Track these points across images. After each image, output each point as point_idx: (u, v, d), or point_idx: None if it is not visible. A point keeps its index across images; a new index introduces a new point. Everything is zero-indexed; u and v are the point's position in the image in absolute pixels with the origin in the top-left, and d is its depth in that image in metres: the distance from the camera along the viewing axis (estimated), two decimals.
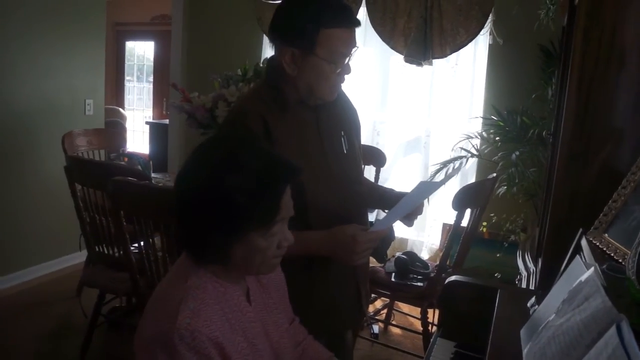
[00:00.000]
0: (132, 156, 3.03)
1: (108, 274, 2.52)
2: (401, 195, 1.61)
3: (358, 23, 1.42)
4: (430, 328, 2.70)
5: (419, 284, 2.72)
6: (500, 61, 3.71)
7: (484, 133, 3.68)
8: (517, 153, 3.23)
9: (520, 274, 2.52)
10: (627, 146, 1.67)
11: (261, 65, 2.68)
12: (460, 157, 3.53)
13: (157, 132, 6.07)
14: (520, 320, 1.41)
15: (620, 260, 1.26)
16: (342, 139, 1.54)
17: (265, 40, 4.32)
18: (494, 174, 2.72)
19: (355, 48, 1.41)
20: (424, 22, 3.66)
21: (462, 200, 2.37)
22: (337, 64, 1.40)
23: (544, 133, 2.31)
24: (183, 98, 2.70)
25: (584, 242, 1.44)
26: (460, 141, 3.69)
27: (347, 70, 1.43)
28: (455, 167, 3.49)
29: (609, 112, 1.68)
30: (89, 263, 3.19)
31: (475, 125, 3.81)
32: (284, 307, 1.26)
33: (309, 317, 1.36)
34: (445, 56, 3.74)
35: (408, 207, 1.46)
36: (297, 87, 1.44)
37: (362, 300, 1.63)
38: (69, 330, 3.08)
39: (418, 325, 3.27)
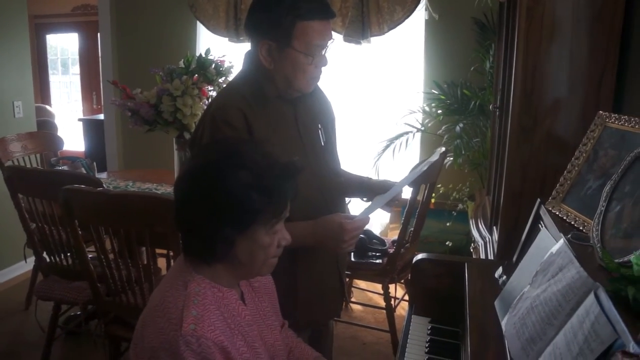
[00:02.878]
0: (74, 159, 2.90)
1: (63, 284, 2.43)
2: (378, 183, 1.64)
3: (333, 15, 1.43)
4: (392, 302, 2.78)
5: (378, 260, 2.78)
6: (436, 36, 3.79)
7: (426, 107, 3.77)
8: (461, 125, 3.33)
9: (475, 242, 2.62)
10: (571, 117, 1.76)
11: (204, 55, 2.61)
12: (407, 133, 3.60)
13: (91, 128, 5.82)
14: (491, 292, 1.48)
15: (582, 228, 1.33)
16: (320, 131, 1.55)
17: (200, 28, 4.21)
18: (443, 148, 2.80)
19: (331, 40, 1.41)
20: (360, 1, 3.68)
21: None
22: (314, 56, 1.40)
23: (490, 106, 2.39)
24: (125, 95, 2.60)
25: (543, 212, 1.52)
26: (405, 116, 3.77)
27: (323, 62, 1.43)
28: (403, 142, 3.56)
29: (553, 86, 1.76)
30: (36, 274, 3.07)
31: (417, 100, 3.88)
32: (274, 310, 1.27)
33: (296, 309, 1.37)
34: (383, 34, 3.78)
35: (390, 195, 1.50)
36: (275, 80, 1.44)
37: (344, 288, 1.66)
38: (23, 347, 2.95)
39: (377, 299, 3.35)
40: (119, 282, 1.98)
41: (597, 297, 0.93)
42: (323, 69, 1.45)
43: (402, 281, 2.97)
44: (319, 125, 1.56)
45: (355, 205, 1.96)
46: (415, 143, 3.95)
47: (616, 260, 1.02)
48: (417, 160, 3.92)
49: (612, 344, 0.83)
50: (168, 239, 1.81)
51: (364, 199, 1.67)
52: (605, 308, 0.90)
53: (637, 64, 1.67)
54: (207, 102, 2.65)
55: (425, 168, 1.52)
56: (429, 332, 1.57)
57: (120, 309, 2.04)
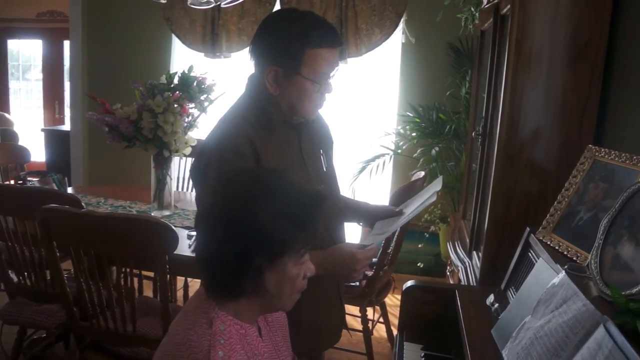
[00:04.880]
0: (44, 174, 2.79)
1: (31, 307, 2.32)
2: (377, 208, 1.64)
3: (341, 43, 1.43)
4: (370, 326, 2.77)
5: (356, 283, 2.77)
6: (412, 59, 3.86)
7: (400, 129, 3.82)
8: (437, 149, 3.39)
9: (452, 266, 2.66)
10: (555, 147, 1.82)
11: (186, 72, 2.57)
12: (382, 155, 3.64)
13: (55, 139, 5.64)
14: (485, 320, 1.50)
15: (575, 259, 1.37)
16: (322, 157, 1.55)
17: (175, 41, 4.16)
18: (422, 173, 2.84)
19: (338, 68, 1.42)
20: (339, 21, 3.73)
21: (397, 201, 2.46)
22: (321, 84, 1.40)
23: (473, 133, 2.44)
24: (103, 109, 2.53)
25: (534, 241, 1.55)
26: (380, 137, 3.81)
27: (329, 89, 1.43)
28: (380, 164, 3.60)
29: (538, 117, 1.81)
30: None
31: (391, 122, 3.93)
32: (287, 344, 1.25)
33: (299, 339, 1.35)
34: (361, 55, 3.83)
35: (399, 224, 1.50)
36: (280, 106, 1.43)
37: (344, 316, 1.65)
38: None
39: (350, 321, 3.34)
40: (98, 305, 1.90)
41: (607, 330, 0.96)
42: (327, 95, 1.45)
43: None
44: (321, 150, 1.56)
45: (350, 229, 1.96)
46: (388, 165, 3.99)
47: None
48: (391, 183, 3.96)
49: None
50: (154, 261, 1.77)
51: (361, 223, 1.67)
52: (618, 342, 0.92)
53: (618, 99, 1.75)
54: (187, 119, 2.61)
55: (434, 199, 1.53)
56: (422, 359, 1.58)
57: (97, 333, 1.96)
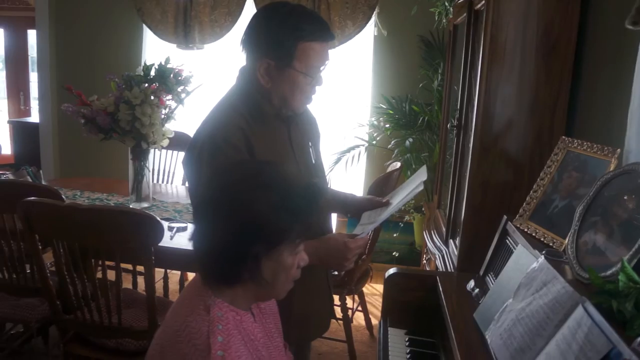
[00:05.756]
0: (18, 166, 2.75)
1: (9, 302, 2.30)
2: (359, 199, 1.69)
3: (333, 37, 1.46)
4: (350, 314, 2.84)
5: (335, 272, 2.82)
6: (385, 52, 3.92)
7: (374, 121, 3.88)
8: (411, 140, 3.46)
9: (429, 254, 2.73)
10: (528, 138, 1.90)
11: (163, 63, 2.56)
12: (357, 146, 3.69)
13: (22, 131, 5.50)
14: (467, 304, 1.57)
15: (551, 244, 1.45)
16: (310, 149, 1.58)
17: (146, 31, 4.11)
18: (397, 164, 2.90)
19: (328, 61, 1.45)
20: None
21: (375, 192, 2.52)
22: (313, 77, 1.43)
23: (447, 125, 2.51)
24: (79, 101, 2.50)
25: (511, 228, 1.63)
26: (354, 129, 3.86)
27: (319, 82, 1.46)
28: (355, 155, 3.65)
29: (512, 109, 1.89)
30: None
31: (365, 114, 3.99)
32: (279, 331, 1.29)
33: (290, 326, 1.39)
34: (334, 47, 3.85)
35: (387, 214, 1.55)
36: (271, 99, 1.45)
37: (333, 305, 1.69)
38: None
39: None
40: (83, 298, 1.90)
41: (585, 309, 1.03)
42: (317, 88, 1.48)
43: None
44: (310, 143, 1.59)
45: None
46: (363, 156, 4.05)
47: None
48: (366, 174, 4.02)
49: (607, 353, 0.92)
50: (139, 254, 1.77)
51: (348, 215, 1.71)
52: (596, 320, 0.99)
53: (587, 92, 1.83)
54: (164, 111, 2.61)
55: (421, 188, 1.58)
56: (407, 343, 1.64)
57: (81, 326, 1.96)
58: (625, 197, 1.20)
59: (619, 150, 1.38)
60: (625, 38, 1.46)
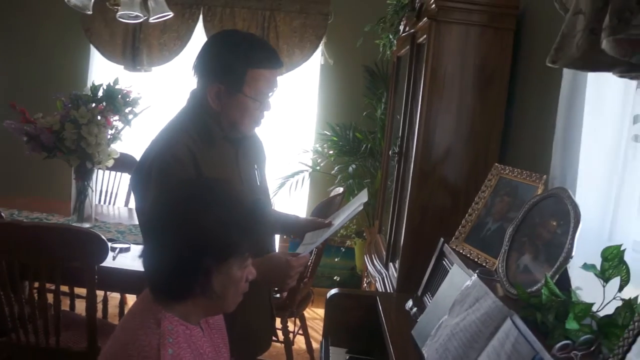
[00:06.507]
0: None
1: None
2: (302, 220, 1.74)
3: (282, 64, 1.52)
4: (291, 337, 2.85)
5: (277, 295, 2.84)
6: (330, 80, 4.03)
7: (318, 147, 3.97)
8: (354, 166, 3.55)
9: (369, 277, 2.80)
10: (464, 165, 2.01)
11: (112, 84, 2.55)
12: (301, 171, 3.75)
13: None
14: (405, 322, 1.63)
15: (484, 264, 1.54)
16: (256, 171, 1.62)
17: (93, 52, 4.07)
18: (340, 189, 2.98)
19: (276, 87, 1.50)
20: None
21: (318, 215, 2.57)
22: (261, 102, 1.48)
23: (389, 152, 2.61)
24: (23, 118, 2.45)
25: (447, 250, 1.72)
26: (298, 154, 3.93)
27: (268, 107, 1.51)
28: (299, 180, 3.71)
29: (450, 138, 2.00)
30: None
31: (309, 140, 4.07)
32: (226, 346, 1.30)
33: (230, 342, 1.40)
34: (281, 75, 3.93)
35: (328, 234, 1.60)
36: (220, 122, 1.49)
37: (274, 327, 1.72)
38: None
39: None
40: (19, 318, 1.84)
41: (513, 322, 1.11)
42: (265, 113, 1.54)
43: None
44: (255, 165, 1.63)
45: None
46: (307, 181, 4.12)
47: None
48: (309, 199, 4.08)
49: None
50: (82, 273, 1.75)
51: (292, 236, 1.76)
52: (522, 331, 1.07)
53: (519, 121, 1.97)
54: (111, 132, 2.59)
55: (361, 209, 1.65)
56: None
57: (17, 349, 1.89)
58: (551, 220, 1.30)
59: (545, 176, 1.50)
60: (551, 73, 1.59)
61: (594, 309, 1.07)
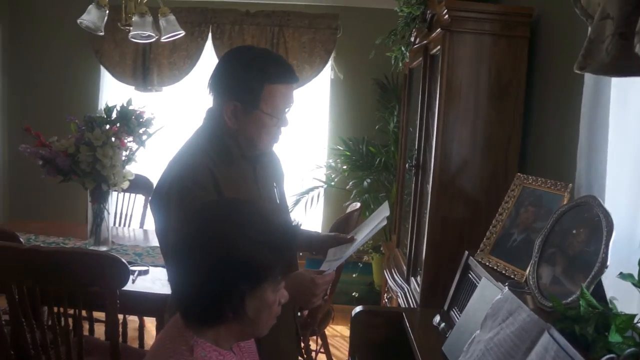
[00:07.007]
0: None
1: None
2: (324, 237, 1.71)
3: (298, 79, 1.51)
4: (314, 355, 2.81)
5: (299, 313, 2.81)
6: (341, 94, 4.03)
7: (332, 162, 3.95)
8: (369, 180, 3.53)
9: (390, 292, 2.76)
10: (484, 176, 1.99)
11: (125, 105, 2.56)
12: (316, 187, 3.74)
13: None
14: (434, 338, 1.60)
15: (513, 276, 1.51)
16: (274, 189, 1.60)
17: (104, 73, 4.10)
18: (357, 204, 2.95)
19: (293, 102, 1.49)
20: None
21: (337, 232, 2.54)
22: (279, 118, 1.47)
23: (406, 165, 2.59)
24: (38, 142, 2.46)
25: (473, 263, 1.69)
26: (312, 170, 3.92)
27: (285, 123, 1.50)
28: (314, 196, 3.69)
29: (468, 149, 1.98)
30: None
31: (322, 155, 4.06)
32: None
33: None
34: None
35: (352, 251, 1.58)
36: (238, 140, 1.47)
37: (300, 346, 1.69)
38: None
39: None
40: (41, 346, 1.83)
41: (551, 335, 1.08)
42: (283, 129, 1.52)
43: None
44: (274, 183, 1.62)
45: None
46: (322, 197, 4.10)
47: None
48: (324, 215, 4.05)
49: None
50: (103, 297, 1.73)
51: (314, 253, 1.74)
52: (562, 344, 1.04)
53: (538, 130, 1.95)
54: (125, 153, 2.59)
55: (385, 223, 1.62)
56: None
57: None
58: (581, 229, 1.27)
59: (570, 184, 1.47)
60: (570, 79, 1.57)
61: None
